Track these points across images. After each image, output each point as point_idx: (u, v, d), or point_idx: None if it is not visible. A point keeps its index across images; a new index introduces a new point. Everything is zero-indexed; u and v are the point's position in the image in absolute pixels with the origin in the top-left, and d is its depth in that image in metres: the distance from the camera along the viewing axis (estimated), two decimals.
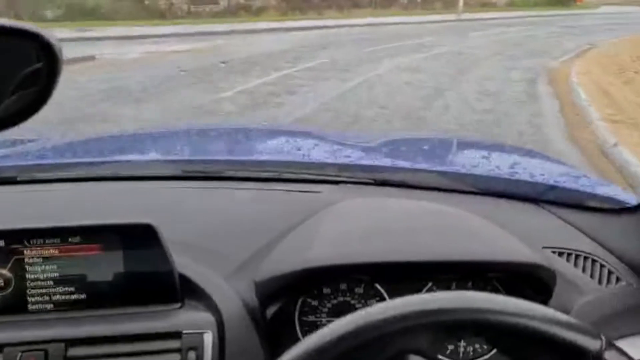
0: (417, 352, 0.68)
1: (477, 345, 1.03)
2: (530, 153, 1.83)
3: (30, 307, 0.96)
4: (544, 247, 1.10)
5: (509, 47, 14.15)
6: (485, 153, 1.63)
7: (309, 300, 1.03)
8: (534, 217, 1.21)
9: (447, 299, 0.66)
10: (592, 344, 0.62)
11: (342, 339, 0.62)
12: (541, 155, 1.92)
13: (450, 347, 1.03)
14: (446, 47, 13.72)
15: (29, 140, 1.63)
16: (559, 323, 0.64)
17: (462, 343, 1.03)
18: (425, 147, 1.73)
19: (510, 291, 1.02)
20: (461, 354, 1.03)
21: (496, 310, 0.64)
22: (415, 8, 27.30)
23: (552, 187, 1.31)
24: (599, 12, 29.94)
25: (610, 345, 0.63)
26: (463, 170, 1.38)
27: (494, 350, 1.03)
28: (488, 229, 1.07)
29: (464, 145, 1.85)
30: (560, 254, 1.10)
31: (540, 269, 0.98)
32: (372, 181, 1.30)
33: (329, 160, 1.46)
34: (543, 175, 1.39)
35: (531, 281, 0.99)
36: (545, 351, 0.66)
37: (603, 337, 0.63)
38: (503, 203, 1.24)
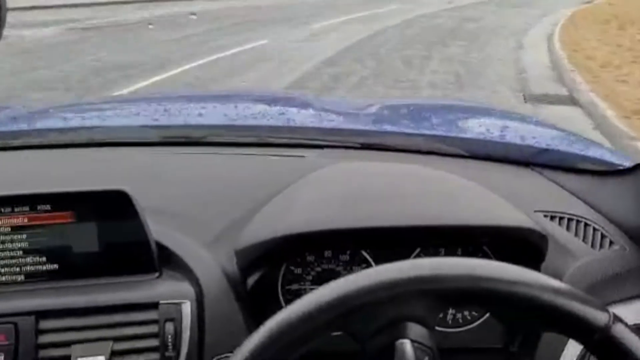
0: (413, 320, 0.64)
1: (466, 313, 1.00)
2: (521, 117, 1.79)
3: (0, 278, 0.92)
4: (535, 211, 1.06)
5: None
6: (475, 116, 1.59)
7: (292, 268, 0.99)
8: (525, 181, 1.17)
9: (450, 265, 0.62)
10: (598, 318, 0.59)
11: (332, 304, 0.59)
12: (533, 119, 1.88)
13: (439, 314, 1.00)
14: None
15: (1, 108, 1.56)
16: (568, 295, 0.60)
17: (451, 310, 1.00)
18: (413, 111, 1.68)
19: (501, 256, 0.99)
20: (450, 322, 1.00)
21: (503, 280, 0.60)
22: None
23: (544, 150, 1.27)
24: None
25: (618, 319, 0.60)
26: (452, 134, 1.34)
27: (483, 318, 1.00)
28: (478, 193, 1.03)
29: (453, 109, 1.80)
30: (553, 218, 1.06)
31: (533, 233, 0.94)
32: (358, 145, 1.26)
33: (313, 125, 1.41)
34: (535, 138, 1.35)
35: (523, 246, 0.96)
36: (550, 324, 0.63)
37: (611, 312, 0.60)
38: (494, 167, 1.20)
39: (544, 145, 1.30)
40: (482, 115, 1.65)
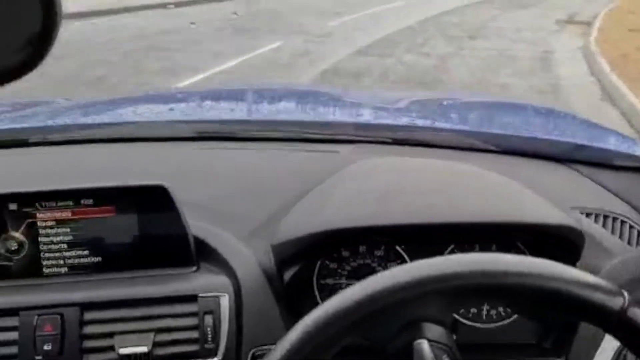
0: (429, 320, 0.64)
1: (500, 309, 1.00)
2: (556, 112, 1.77)
3: (45, 270, 0.95)
4: (571, 208, 1.05)
5: None
6: (508, 112, 1.58)
7: (327, 263, 1.00)
8: (561, 177, 1.16)
9: (456, 263, 0.61)
10: (613, 302, 0.59)
11: (355, 306, 0.58)
12: (568, 114, 1.86)
13: (473, 310, 1.01)
14: None
15: (42, 103, 1.60)
16: (577, 281, 0.59)
17: (486, 306, 1.00)
18: (446, 106, 1.67)
19: (536, 253, 0.99)
20: (484, 317, 1.00)
21: (509, 273, 0.60)
22: None
23: (580, 146, 1.25)
24: None
25: (634, 302, 0.59)
26: (485, 129, 1.33)
27: (517, 314, 1.00)
28: (513, 189, 1.03)
29: (487, 104, 1.79)
30: (589, 215, 1.05)
31: (570, 231, 0.94)
32: (391, 140, 1.26)
33: (347, 120, 1.42)
34: (570, 133, 1.33)
35: (559, 243, 0.95)
36: (564, 311, 0.62)
37: (625, 295, 0.59)
38: (529, 163, 1.19)
39: (579, 141, 1.29)
40: (516, 110, 1.63)
